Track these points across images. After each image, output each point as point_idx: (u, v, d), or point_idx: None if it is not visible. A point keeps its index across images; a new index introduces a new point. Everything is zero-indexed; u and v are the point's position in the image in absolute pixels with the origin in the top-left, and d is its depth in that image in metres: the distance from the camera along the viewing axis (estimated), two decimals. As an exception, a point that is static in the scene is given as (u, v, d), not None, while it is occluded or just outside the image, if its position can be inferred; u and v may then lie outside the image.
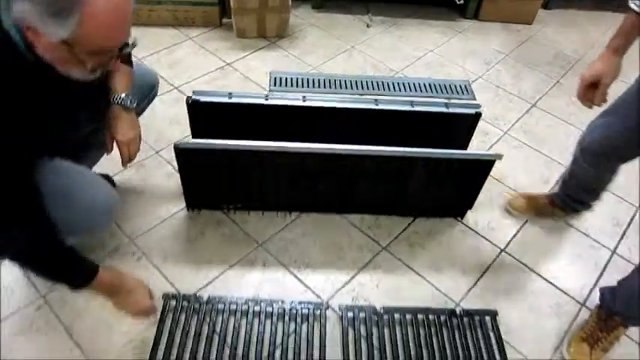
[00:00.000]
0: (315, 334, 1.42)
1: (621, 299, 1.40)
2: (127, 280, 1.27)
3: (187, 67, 2.35)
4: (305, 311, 1.47)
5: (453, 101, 2.14)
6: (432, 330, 1.45)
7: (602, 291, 1.46)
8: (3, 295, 1.45)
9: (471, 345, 1.43)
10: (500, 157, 1.53)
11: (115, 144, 1.31)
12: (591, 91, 1.24)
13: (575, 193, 1.66)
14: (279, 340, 1.40)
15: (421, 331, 1.45)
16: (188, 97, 1.59)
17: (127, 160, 1.34)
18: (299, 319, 1.45)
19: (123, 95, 1.28)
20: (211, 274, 1.56)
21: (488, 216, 1.81)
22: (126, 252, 1.59)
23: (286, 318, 1.45)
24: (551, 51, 2.77)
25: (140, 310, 1.29)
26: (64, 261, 1.11)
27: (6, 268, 1.51)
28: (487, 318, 1.49)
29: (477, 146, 2.05)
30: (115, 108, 1.29)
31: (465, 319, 1.48)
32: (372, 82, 2.23)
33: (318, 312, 1.47)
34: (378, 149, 1.49)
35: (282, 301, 1.48)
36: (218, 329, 1.41)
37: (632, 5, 1.13)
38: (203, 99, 1.59)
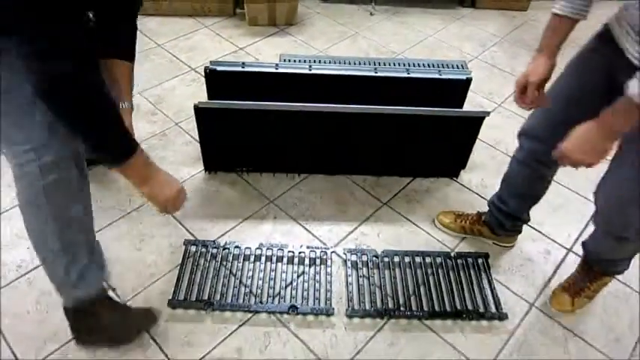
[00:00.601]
0: (322, 274, 1.57)
1: (591, 251, 1.47)
2: (159, 168, 1.22)
3: (203, 52, 2.54)
4: (312, 255, 1.62)
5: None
6: (429, 270, 1.59)
7: (584, 242, 1.50)
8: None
9: (464, 283, 1.57)
10: (487, 113, 1.68)
11: None
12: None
13: (505, 203, 1.57)
14: (289, 280, 1.55)
15: (418, 272, 1.59)
16: (206, 67, 1.77)
17: None
18: (307, 262, 1.60)
19: (128, 103, 1.39)
20: (227, 226, 1.72)
21: (482, 175, 1.95)
22: (149, 209, 1.75)
23: (295, 261, 1.61)
24: (545, 34, 2.91)
25: (173, 194, 1.21)
26: (117, 124, 1.07)
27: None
28: (480, 260, 1.63)
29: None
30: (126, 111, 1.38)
31: (459, 261, 1.62)
32: (374, 62, 2.38)
33: (324, 255, 1.62)
34: (376, 107, 1.65)
35: (292, 246, 1.63)
36: (234, 270, 1.56)
37: (553, 10, 1.16)
38: (219, 68, 1.76)
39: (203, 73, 1.79)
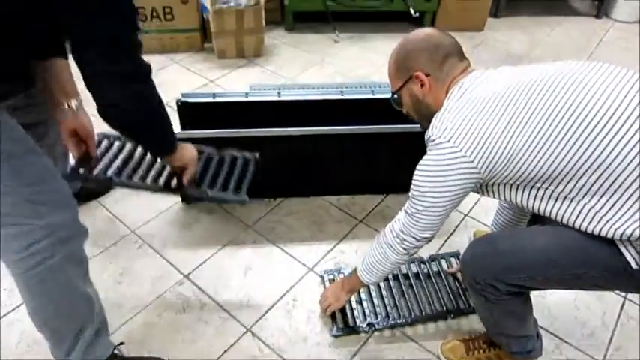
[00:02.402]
0: (306, 295, 1.60)
1: None
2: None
3: (174, 86, 2.57)
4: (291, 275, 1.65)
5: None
6: (406, 281, 1.63)
7: None
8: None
9: (441, 284, 1.62)
10: (451, 127, 1.76)
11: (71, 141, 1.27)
12: None
13: None
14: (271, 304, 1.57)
15: (396, 283, 1.62)
16: (178, 100, 1.81)
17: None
18: (287, 285, 1.63)
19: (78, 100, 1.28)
20: (207, 253, 1.73)
21: (452, 187, 2.03)
22: (128, 241, 1.77)
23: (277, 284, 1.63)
24: (502, 52, 3.09)
25: (195, 154, 1.32)
26: (167, 120, 1.15)
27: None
28: (452, 259, 1.71)
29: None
30: (79, 109, 1.27)
31: (433, 264, 1.69)
32: (340, 86, 2.47)
33: (303, 277, 1.65)
34: (344, 128, 1.72)
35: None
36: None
37: None
38: (190, 100, 1.81)
39: (175, 106, 1.83)
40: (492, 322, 1.32)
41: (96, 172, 1.35)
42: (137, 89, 1.01)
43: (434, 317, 1.53)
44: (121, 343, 1.35)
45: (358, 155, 1.83)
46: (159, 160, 1.39)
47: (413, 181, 1.13)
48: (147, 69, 1.02)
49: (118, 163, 1.38)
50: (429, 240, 1.19)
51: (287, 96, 1.86)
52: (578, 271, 1.04)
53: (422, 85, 1.16)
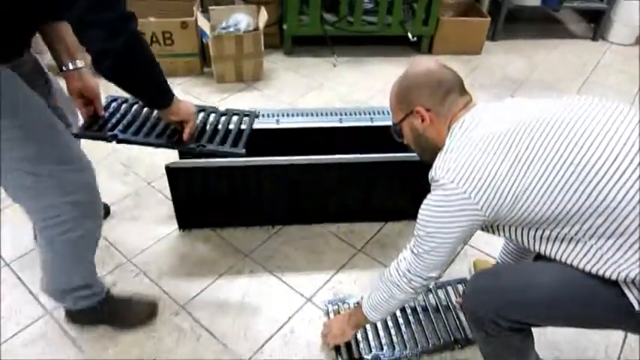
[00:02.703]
0: (304, 326, 1.58)
1: None
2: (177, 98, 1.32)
3: (173, 111, 2.59)
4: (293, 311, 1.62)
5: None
6: (413, 312, 1.60)
7: None
8: (11, 314, 1.59)
9: (448, 312, 1.60)
10: (449, 156, 1.76)
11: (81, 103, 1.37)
12: None
13: None
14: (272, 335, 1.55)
15: (402, 313, 1.59)
16: (175, 128, 1.81)
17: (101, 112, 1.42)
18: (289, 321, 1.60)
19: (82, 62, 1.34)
20: (203, 283, 1.71)
21: (451, 215, 2.01)
22: (125, 270, 1.75)
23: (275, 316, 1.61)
24: (498, 75, 3.11)
25: (194, 109, 1.39)
26: (158, 69, 1.16)
27: (15, 289, 1.65)
28: (459, 286, 1.69)
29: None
30: (84, 71, 1.35)
31: (440, 291, 1.66)
32: (339, 112, 2.47)
33: (303, 309, 1.63)
34: (343, 157, 1.72)
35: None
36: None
37: None
38: (188, 128, 1.81)
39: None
40: (494, 357, 1.30)
41: (103, 131, 1.41)
42: (125, 37, 1.04)
43: (441, 348, 1.51)
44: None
45: (357, 183, 1.82)
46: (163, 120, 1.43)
47: (418, 221, 1.12)
48: (133, 18, 1.06)
49: (124, 122, 1.43)
50: (436, 278, 1.18)
51: (285, 124, 1.86)
52: (581, 311, 1.02)
53: (422, 120, 1.15)
